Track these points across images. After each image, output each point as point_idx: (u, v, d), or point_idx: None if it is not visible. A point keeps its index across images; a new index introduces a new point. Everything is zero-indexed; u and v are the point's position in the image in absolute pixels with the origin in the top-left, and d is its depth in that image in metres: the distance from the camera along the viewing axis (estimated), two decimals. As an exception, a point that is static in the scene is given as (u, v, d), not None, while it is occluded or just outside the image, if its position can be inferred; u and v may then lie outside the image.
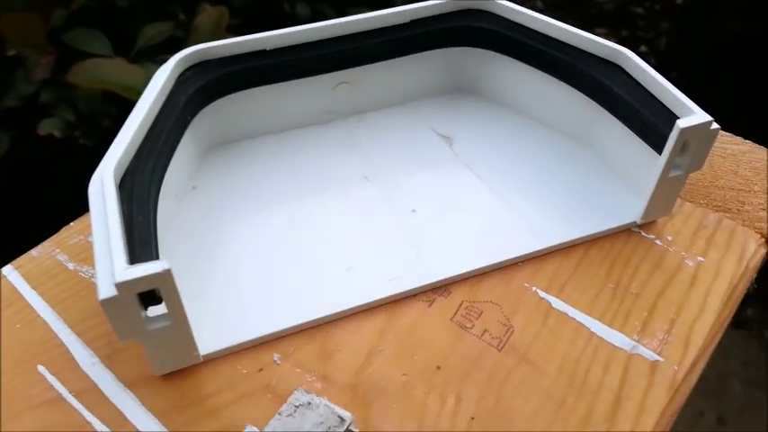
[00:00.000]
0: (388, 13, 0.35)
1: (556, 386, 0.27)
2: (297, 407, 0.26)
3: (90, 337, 0.29)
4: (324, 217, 0.34)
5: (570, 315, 0.29)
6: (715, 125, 0.29)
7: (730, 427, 1.22)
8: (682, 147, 0.29)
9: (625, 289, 0.30)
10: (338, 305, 0.29)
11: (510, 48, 0.36)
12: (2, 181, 0.91)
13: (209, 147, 0.37)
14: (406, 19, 0.36)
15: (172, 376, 0.27)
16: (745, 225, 0.33)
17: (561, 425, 0.26)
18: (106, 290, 0.23)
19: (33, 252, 0.33)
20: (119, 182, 0.27)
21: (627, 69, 0.32)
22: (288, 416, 0.26)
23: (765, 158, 0.38)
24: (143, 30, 0.85)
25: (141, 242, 0.25)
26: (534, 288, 0.30)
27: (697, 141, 0.29)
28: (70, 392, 0.27)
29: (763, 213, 0.34)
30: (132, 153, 0.29)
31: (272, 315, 0.29)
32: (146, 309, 0.25)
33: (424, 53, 0.38)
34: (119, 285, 0.23)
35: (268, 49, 0.35)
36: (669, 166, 0.29)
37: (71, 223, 0.35)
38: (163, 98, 0.32)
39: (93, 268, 0.31)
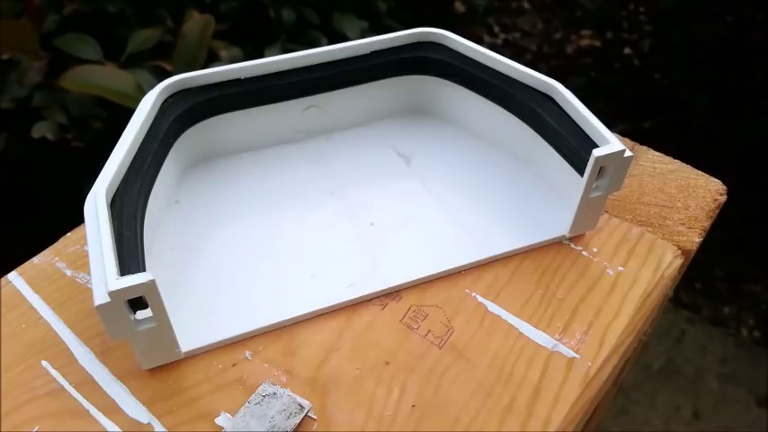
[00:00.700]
0: (351, 46, 0.40)
1: (486, 379, 0.31)
2: (263, 396, 0.30)
3: (86, 335, 0.33)
4: (292, 229, 0.38)
5: (503, 317, 0.34)
6: (628, 153, 0.33)
7: (706, 422, 1.28)
8: (599, 171, 0.33)
9: (552, 295, 0.35)
10: (302, 308, 0.34)
11: (460, 77, 0.40)
12: (-1, 179, 0.95)
13: (190, 165, 0.42)
14: (368, 50, 0.40)
15: (157, 370, 0.32)
16: (664, 238, 0.38)
17: (488, 412, 0.30)
18: (100, 297, 0.27)
19: (35, 260, 0.37)
20: (110, 201, 0.31)
21: (557, 101, 0.36)
22: (256, 404, 0.30)
23: (691, 177, 0.42)
24: (133, 35, 0.89)
25: (129, 255, 0.29)
26: (474, 294, 0.35)
27: (613, 167, 0.33)
28: (70, 384, 0.31)
29: (682, 228, 0.39)
30: (122, 174, 0.33)
31: (245, 317, 0.33)
32: (134, 312, 0.29)
33: (384, 80, 0.42)
34: (111, 294, 0.27)
35: (243, 78, 0.39)
36: (589, 188, 0.33)
37: (68, 234, 0.39)
38: (148, 124, 0.36)
39: (89, 275, 0.35)
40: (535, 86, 0.37)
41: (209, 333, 0.33)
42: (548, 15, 2.09)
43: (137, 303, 0.29)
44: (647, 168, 0.43)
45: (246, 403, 0.30)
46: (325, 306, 0.34)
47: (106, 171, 0.32)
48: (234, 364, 0.32)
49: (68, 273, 0.36)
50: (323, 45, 1.03)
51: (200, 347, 0.32)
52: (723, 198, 0.41)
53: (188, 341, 0.32)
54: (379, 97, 0.43)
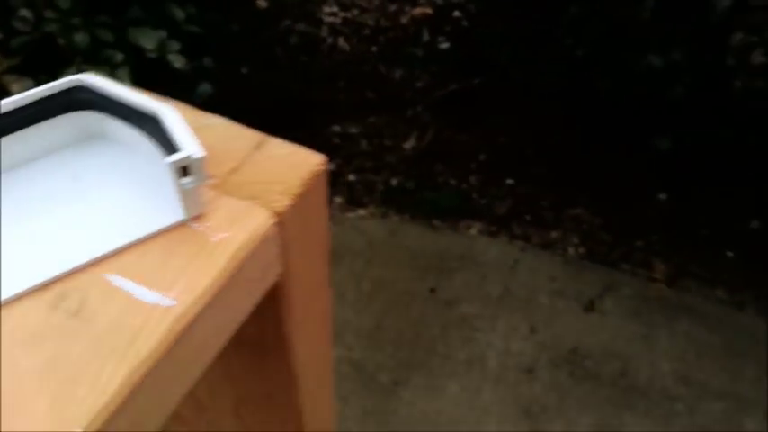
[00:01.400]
0: (16, 99, 0.50)
1: (109, 337, 0.43)
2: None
3: None
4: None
5: (127, 289, 0.45)
6: (198, 155, 0.45)
7: (541, 334, 1.45)
8: (185, 170, 0.45)
9: (165, 263, 0.46)
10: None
11: (107, 109, 0.51)
12: None
13: None
14: (32, 100, 0.50)
15: None
16: (263, 207, 0.50)
17: (113, 365, 0.42)
18: None
19: None
20: None
21: (162, 120, 0.48)
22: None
23: (304, 157, 0.55)
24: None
25: None
26: (111, 274, 0.46)
27: (194, 165, 0.45)
28: None
29: (279, 197, 0.51)
30: None
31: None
32: None
33: (54, 119, 0.52)
34: None
35: None
36: (179, 184, 0.45)
37: None
38: None
39: None
40: (146, 111, 0.48)
41: None
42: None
43: None
44: (265, 152, 0.55)
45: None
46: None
47: None
48: None
49: None
50: (118, 61, 1.12)
51: None
52: (321, 168, 0.53)
53: None
54: (53, 133, 0.54)
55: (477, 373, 1.37)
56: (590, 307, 1.48)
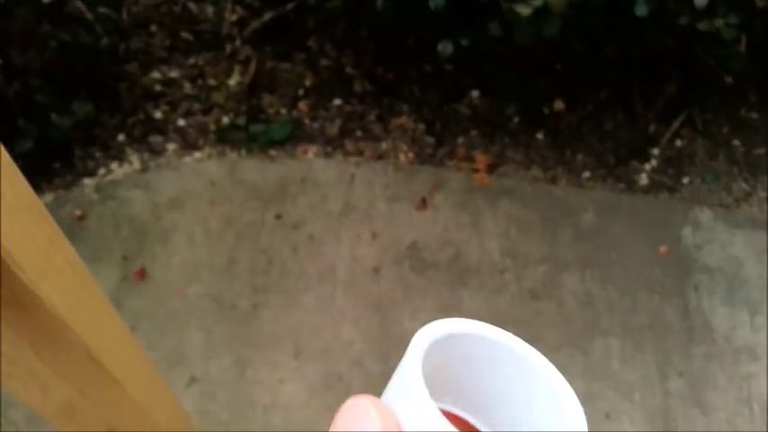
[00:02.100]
0: None
1: None
2: None
3: None
4: None
5: None
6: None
7: (382, 238, 1.58)
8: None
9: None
10: None
11: None
12: None
13: None
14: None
15: None
16: None
17: None
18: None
19: None
20: None
21: None
22: None
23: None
24: None
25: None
26: None
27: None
28: None
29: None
30: None
31: None
32: None
33: None
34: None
35: None
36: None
37: None
38: None
39: None
40: None
41: None
42: None
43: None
44: None
45: None
46: None
47: None
48: None
49: None
50: None
51: None
52: None
53: None
54: None
55: (329, 283, 1.48)
56: (423, 205, 1.62)
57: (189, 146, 1.62)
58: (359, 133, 1.72)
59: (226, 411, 1.30)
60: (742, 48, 1.46)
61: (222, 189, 1.60)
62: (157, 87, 1.64)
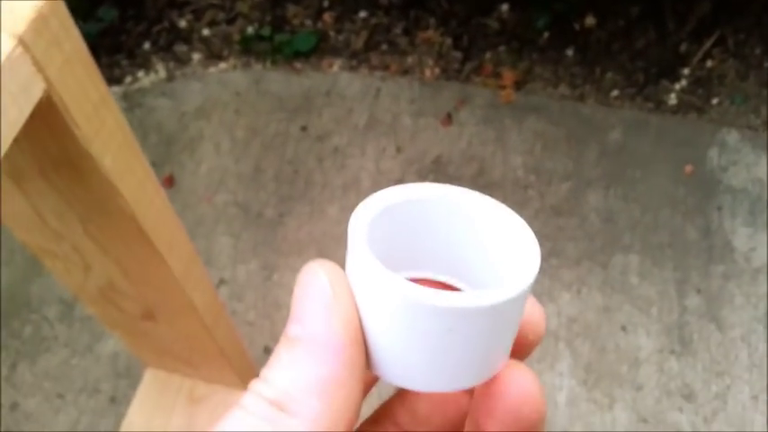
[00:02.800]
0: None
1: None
2: None
3: None
4: None
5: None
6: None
7: (406, 152, 1.59)
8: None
9: None
10: None
11: None
12: None
13: None
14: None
15: None
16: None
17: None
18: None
19: None
20: None
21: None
22: None
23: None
24: None
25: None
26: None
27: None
28: None
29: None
30: None
31: None
32: None
33: None
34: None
35: None
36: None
37: None
38: None
39: None
40: None
41: None
42: None
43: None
44: None
45: None
46: None
47: None
48: None
49: None
50: None
51: None
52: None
53: None
54: None
55: (353, 195, 1.50)
56: (448, 121, 1.62)
57: (214, 56, 1.61)
58: (384, 47, 1.70)
59: (253, 312, 1.34)
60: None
61: (248, 100, 1.60)
62: (182, -5, 1.62)
